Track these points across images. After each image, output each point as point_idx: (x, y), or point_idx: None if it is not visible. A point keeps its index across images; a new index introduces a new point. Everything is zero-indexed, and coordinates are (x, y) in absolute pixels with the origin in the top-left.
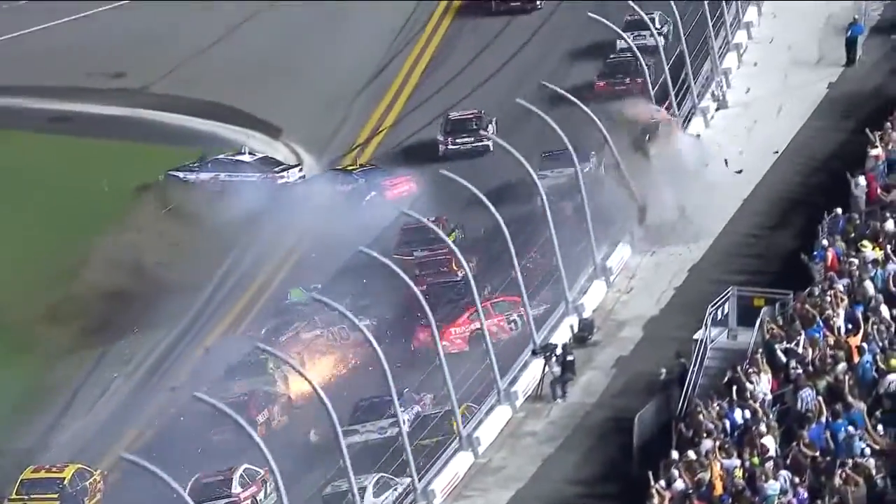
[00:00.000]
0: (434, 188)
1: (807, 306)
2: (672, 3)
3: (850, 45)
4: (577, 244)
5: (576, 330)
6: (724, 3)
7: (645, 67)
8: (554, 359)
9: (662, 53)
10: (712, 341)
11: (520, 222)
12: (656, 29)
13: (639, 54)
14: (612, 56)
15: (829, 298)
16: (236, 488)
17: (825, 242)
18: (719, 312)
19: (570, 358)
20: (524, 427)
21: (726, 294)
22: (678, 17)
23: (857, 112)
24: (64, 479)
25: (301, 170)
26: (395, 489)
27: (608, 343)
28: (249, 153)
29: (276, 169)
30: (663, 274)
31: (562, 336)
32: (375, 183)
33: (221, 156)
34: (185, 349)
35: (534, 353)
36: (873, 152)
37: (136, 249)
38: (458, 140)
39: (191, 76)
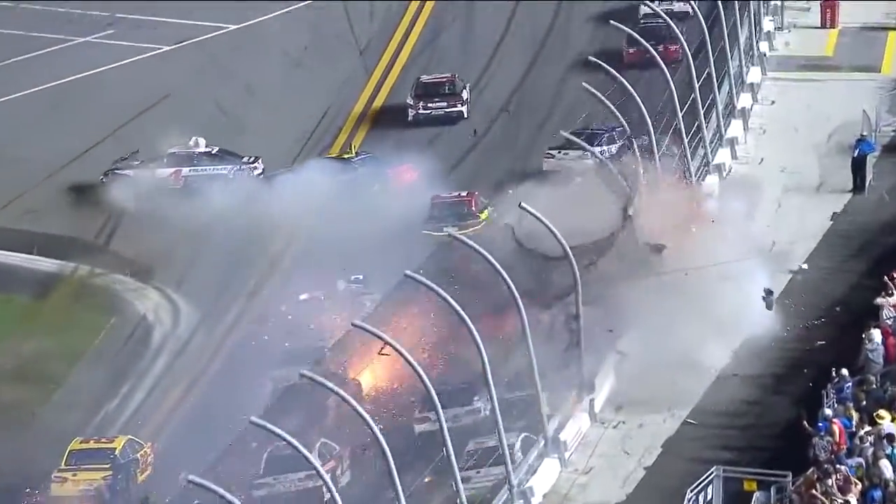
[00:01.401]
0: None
1: (812, 491)
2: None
3: (858, 166)
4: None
5: None
6: (702, 119)
7: (678, 32)
8: None
9: (699, 13)
10: None
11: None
12: None
13: (668, 20)
14: (641, 21)
15: (836, 482)
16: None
17: (829, 412)
18: (701, 498)
19: None
20: None
21: (709, 475)
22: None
23: (867, 250)
24: (115, 449)
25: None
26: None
27: None
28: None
29: (244, 160)
30: (631, 449)
31: None
32: (380, 172)
33: (175, 149)
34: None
35: None
36: (889, 301)
37: None
38: (429, 105)
39: None
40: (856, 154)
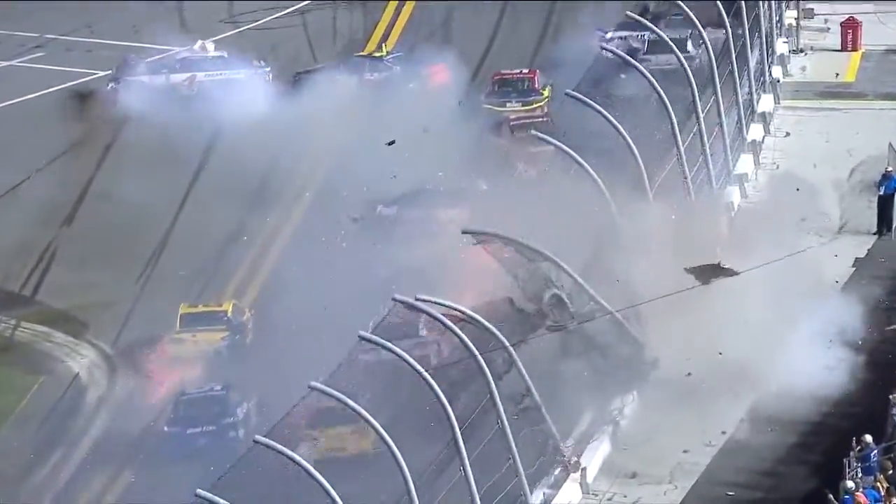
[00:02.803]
0: None
1: None
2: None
3: (884, 206)
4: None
5: None
6: (707, 153)
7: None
8: None
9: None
10: None
11: None
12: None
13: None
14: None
15: None
16: (422, 331)
17: (851, 484)
18: None
19: None
20: None
21: None
22: None
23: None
24: (226, 311)
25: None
26: None
27: None
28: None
29: (257, 63)
30: None
31: None
32: (415, 71)
33: (185, 53)
34: None
35: None
36: None
37: None
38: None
39: None
40: (882, 192)
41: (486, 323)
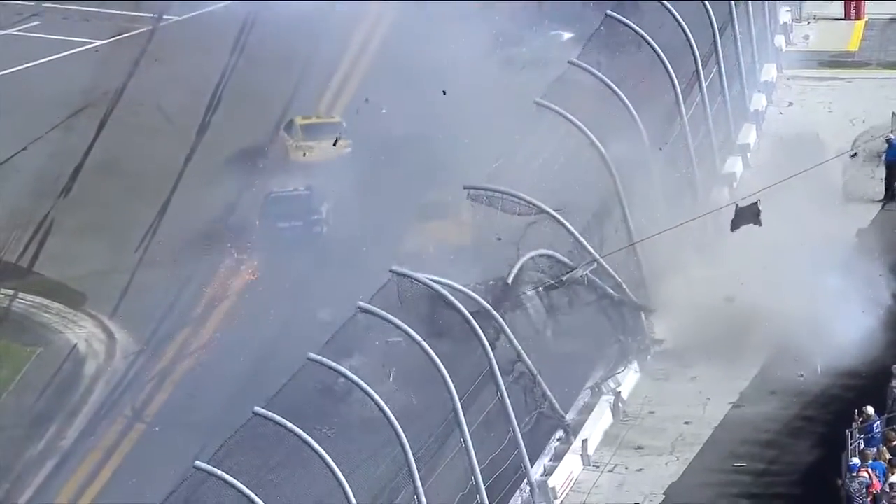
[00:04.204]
0: None
1: None
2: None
3: (890, 173)
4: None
5: None
6: (710, 122)
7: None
8: None
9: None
10: None
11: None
12: None
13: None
14: None
15: None
16: None
17: (856, 460)
18: None
19: None
20: None
21: None
22: None
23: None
24: (341, 122)
25: None
26: None
27: None
28: None
29: None
30: (629, 496)
31: None
32: None
33: None
34: None
35: None
36: None
37: None
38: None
39: None
40: (887, 157)
41: (470, 291)
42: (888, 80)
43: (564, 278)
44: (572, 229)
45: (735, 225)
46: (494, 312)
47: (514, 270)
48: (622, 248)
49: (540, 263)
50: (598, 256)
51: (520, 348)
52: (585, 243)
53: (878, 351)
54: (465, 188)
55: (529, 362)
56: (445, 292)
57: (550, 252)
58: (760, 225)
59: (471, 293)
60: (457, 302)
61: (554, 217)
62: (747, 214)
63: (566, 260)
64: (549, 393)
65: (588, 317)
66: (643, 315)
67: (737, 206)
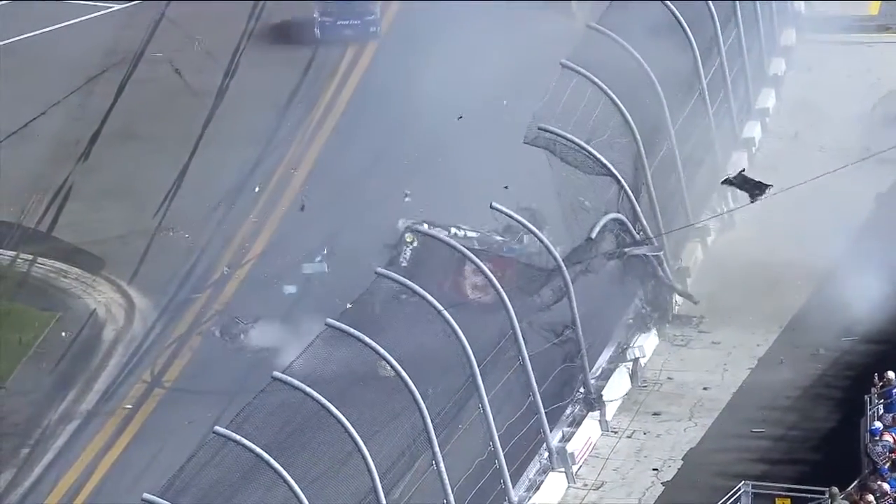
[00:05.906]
0: None
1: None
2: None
3: None
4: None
5: None
6: (728, 87)
7: None
8: None
9: None
10: None
11: None
12: None
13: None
14: None
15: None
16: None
17: (879, 424)
18: None
19: None
20: None
21: (737, 492)
22: None
23: None
24: None
25: None
26: None
27: None
28: None
29: None
30: (648, 462)
31: None
32: None
33: None
34: None
35: None
36: None
37: None
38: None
39: None
40: None
41: (544, 238)
42: None
43: (627, 251)
44: (634, 200)
45: (753, 196)
46: (564, 270)
47: (597, 228)
48: (681, 227)
49: (611, 227)
50: (657, 238)
51: (577, 315)
52: (645, 222)
53: None
54: (533, 120)
55: (580, 332)
56: (473, 256)
57: (623, 218)
58: (762, 195)
59: (551, 248)
60: (485, 267)
61: (619, 182)
62: (751, 185)
63: (633, 230)
64: (587, 367)
65: (625, 287)
66: (676, 297)
67: (742, 174)
